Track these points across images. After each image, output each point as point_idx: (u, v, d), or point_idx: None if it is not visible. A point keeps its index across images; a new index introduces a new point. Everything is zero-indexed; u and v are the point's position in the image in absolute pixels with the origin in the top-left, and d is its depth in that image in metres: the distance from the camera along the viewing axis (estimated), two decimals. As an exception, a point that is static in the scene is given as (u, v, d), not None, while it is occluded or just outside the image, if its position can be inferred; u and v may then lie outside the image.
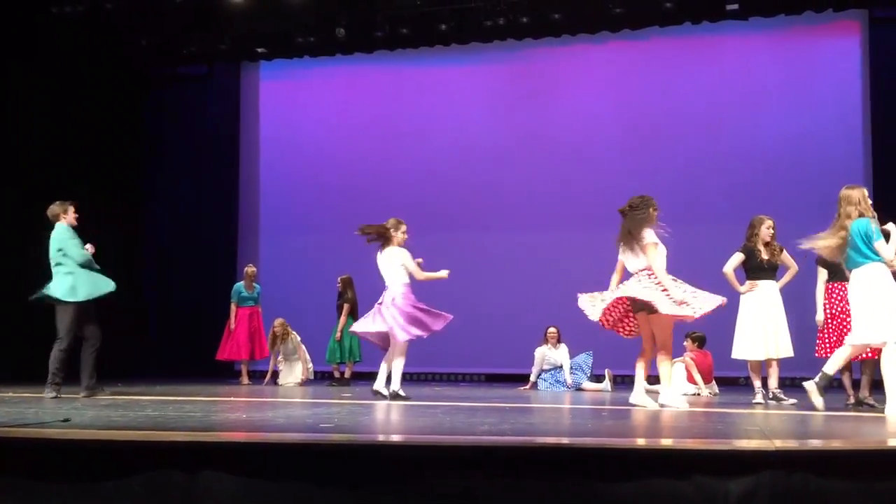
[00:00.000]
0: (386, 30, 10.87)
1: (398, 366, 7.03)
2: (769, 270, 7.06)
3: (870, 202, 5.82)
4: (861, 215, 5.69)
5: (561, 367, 9.46)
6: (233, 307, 10.28)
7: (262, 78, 12.64)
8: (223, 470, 3.49)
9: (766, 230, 7.09)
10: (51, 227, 7.32)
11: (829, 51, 10.81)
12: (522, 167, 11.41)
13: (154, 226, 12.29)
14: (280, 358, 10.32)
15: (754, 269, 7.07)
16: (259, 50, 11.87)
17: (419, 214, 11.60)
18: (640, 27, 10.75)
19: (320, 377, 10.59)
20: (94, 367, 7.21)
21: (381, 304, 7.10)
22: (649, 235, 6.32)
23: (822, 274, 6.82)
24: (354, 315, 10.16)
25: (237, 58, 12.23)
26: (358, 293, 10.12)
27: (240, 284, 10.44)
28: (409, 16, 10.78)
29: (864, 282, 5.59)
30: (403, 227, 7.24)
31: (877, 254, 5.58)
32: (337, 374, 10.17)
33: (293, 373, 10.24)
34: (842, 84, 10.62)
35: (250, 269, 10.58)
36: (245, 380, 10.21)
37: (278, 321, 10.25)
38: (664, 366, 6.28)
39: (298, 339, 10.29)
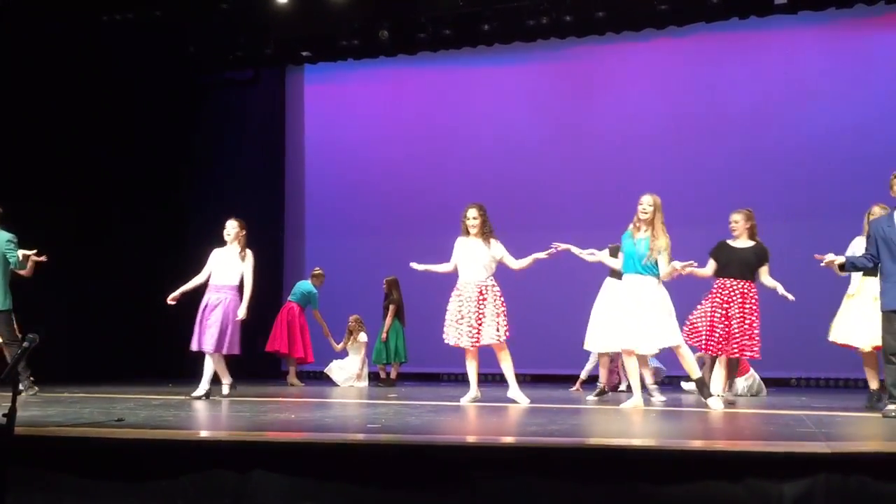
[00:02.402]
0: (429, 31, 10.86)
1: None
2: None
3: None
4: None
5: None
6: (317, 315, 10.27)
7: (306, 81, 12.72)
8: (273, 469, 3.52)
9: None
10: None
11: (881, 44, 10.54)
12: (567, 166, 11.33)
13: (199, 229, 12.42)
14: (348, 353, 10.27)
15: None
16: (303, 53, 11.94)
17: (463, 215, 11.64)
18: (685, 24, 10.58)
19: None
20: None
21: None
22: None
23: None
24: (400, 316, 10.20)
25: (282, 62, 12.31)
26: (403, 294, 10.15)
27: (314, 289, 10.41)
28: (452, 17, 10.76)
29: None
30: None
31: None
32: (383, 375, 10.21)
33: (347, 369, 10.12)
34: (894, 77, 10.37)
35: (321, 271, 10.62)
36: (296, 381, 10.07)
37: (354, 317, 10.19)
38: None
39: (365, 338, 10.24)
